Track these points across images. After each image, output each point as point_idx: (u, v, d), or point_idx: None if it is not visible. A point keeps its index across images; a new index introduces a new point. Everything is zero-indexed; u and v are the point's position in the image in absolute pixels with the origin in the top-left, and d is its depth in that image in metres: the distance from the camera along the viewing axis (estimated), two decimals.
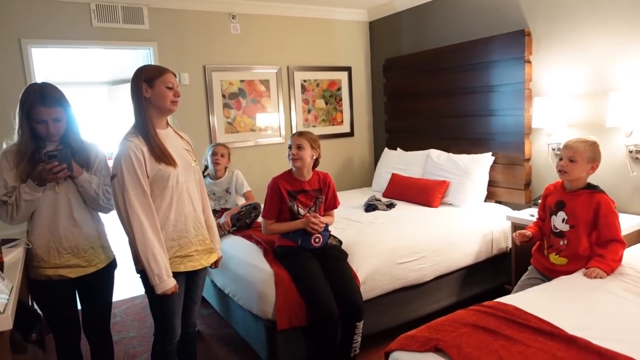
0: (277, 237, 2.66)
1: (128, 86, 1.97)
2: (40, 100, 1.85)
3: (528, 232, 2.43)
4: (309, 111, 4.73)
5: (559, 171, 2.26)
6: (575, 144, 2.22)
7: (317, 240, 2.55)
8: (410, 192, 3.80)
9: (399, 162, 4.28)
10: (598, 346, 1.45)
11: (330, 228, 2.70)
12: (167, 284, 1.84)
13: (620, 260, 2.12)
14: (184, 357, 2.22)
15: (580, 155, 2.19)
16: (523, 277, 2.45)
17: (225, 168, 3.36)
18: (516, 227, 3.00)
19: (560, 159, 2.26)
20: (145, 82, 1.89)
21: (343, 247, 2.71)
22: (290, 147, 2.56)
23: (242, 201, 3.34)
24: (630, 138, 2.80)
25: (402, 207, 3.63)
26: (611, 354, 1.41)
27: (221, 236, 2.63)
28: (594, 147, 2.21)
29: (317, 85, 4.75)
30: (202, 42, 4.09)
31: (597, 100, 2.97)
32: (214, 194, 3.32)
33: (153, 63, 3.78)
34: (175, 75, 1.97)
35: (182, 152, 2.00)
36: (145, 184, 1.85)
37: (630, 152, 2.84)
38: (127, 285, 4.05)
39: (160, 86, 1.89)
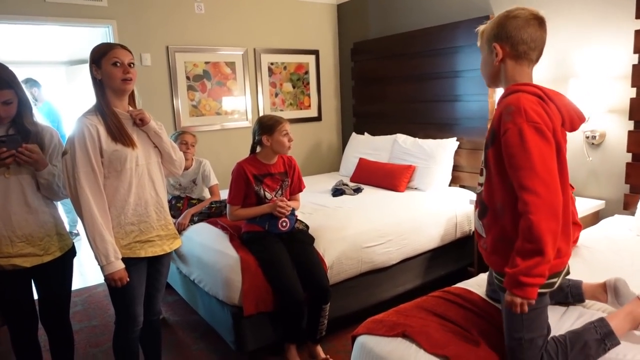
0: (243, 223, 2.62)
1: (87, 67, 1.88)
2: None
3: None
4: (276, 95, 4.67)
5: None
6: None
7: (284, 224, 2.54)
8: (377, 177, 3.83)
9: (367, 146, 4.29)
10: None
11: (297, 213, 2.69)
12: (115, 265, 1.78)
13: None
14: (149, 346, 2.18)
15: None
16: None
17: (192, 158, 3.24)
18: None
19: None
20: (94, 63, 1.83)
21: (310, 231, 2.71)
22: (285, 133, 2.50)
23: (207, 192, 3.25)
24: (588, 124, 2.90)
25: (369, 191, 3.65)
26: None
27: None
28: None
29: (285, 68, 4.68)
30: (164, 21, 3.94)
31: (557, 87, 3.00)
32: (180, 184, 3.21)
33: (113, 42, 3.62)
34: (126, 50, 1.86)
35: (144, 134, 1.93)
36: (96, 163, 1.78)
37: (587, 137, 2.94)
38: (89, 274, 3.94)
39: (107, 65, 1.80)
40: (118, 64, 1.80)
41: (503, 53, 1.41)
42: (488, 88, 3.39)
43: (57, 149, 1.99)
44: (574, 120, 1.40)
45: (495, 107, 1.47)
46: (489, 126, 3.26)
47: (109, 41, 3.65)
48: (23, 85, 1.92)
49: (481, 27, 1.51)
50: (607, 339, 1.43)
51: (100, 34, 3.79)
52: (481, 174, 1.50)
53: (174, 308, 3.25)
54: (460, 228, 3.29)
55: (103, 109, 1.83)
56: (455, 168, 3.71)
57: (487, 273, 1.86)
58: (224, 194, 3.13)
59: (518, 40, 1.38)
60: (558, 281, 1.42)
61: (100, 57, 1.81)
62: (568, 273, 1.49)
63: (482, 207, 1.48)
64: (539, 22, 1.40)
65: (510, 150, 1.29)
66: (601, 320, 1.49)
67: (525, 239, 1.26)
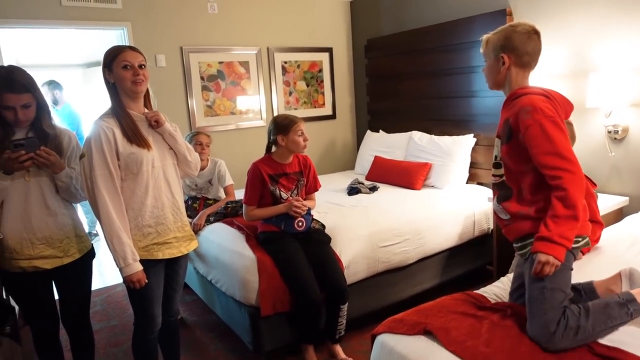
0: (259, 223, 2.62)
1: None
2: (8, 86, 1.76)
3: None
4: (290, 93, 4.66)
5: None
6: None
7: (300, 224, 2.53)
8: (393, 175, 3.80)
9: (382, 144, 4.26)
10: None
11: (313, 212, 2.68)
12: (133, 267, 1.79)
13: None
14: (167, 346, 2.19)
15: None
16: (512, 264, 2.47)
17: (208, 158, 3.24)
18: None
19: None
20: (106, 67, 1.85)
21: (326, 231, 2.70)
22: (301, 133, 2.50)
23: (223, 193, 3.26)
24: (609, 118, 2.83)
25: (384, 189, 3.62)
26: (593, 343, 1.43)
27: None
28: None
29: (298, 66, 4.67)
30: (178, 22, 3.95)
31: (577, 81, 2.98)
32: (195, 185, 3.22)
33: (127, 44, 3.65)
34: (136, 52, 1.86)
35: (159, 136, 1.94)
36: (113, 166, 1.79)
37: (609, 132, 2.87)
38: (108, 274, 3.99)
39: (117, 69, 1.81)
40: (128, 67, 1.81)
41: (509, 62, 1.64)
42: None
43: (75, 152, 2.01)
44: (567, 110, 1.69)
45: (502, 109, 1.70)
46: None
47: (123, 43, 3.69)
48: (45, 87, 1.96)
49: (486, 37, 1.73)
50: (629, 304, 1.53)
51: (115, 36, 3.83)
52: (495, 167, 1.73)
53: (192, 308, 3.27)
54: (479, 226, 3.25)
55: (118, 112, 1.84)
56: (473, 165, 3.65)
57: (513, 273, 1.84)
58: (239, 194, 3.14)
59: (523, 52, 1.63)
60: (582, 242, 1.59)
61: (111, 60, 1.82)
62: (587, 244, 1.65)
63: (505, 192, 1.68)
64: (538, 35, 1.65)
65: (535, 141, 1.51)
66: (624, 292, 1.61)
67: (561, 207, 1.46)
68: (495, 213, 1.78)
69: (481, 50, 1.76)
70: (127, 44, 3.60)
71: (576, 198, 1.45)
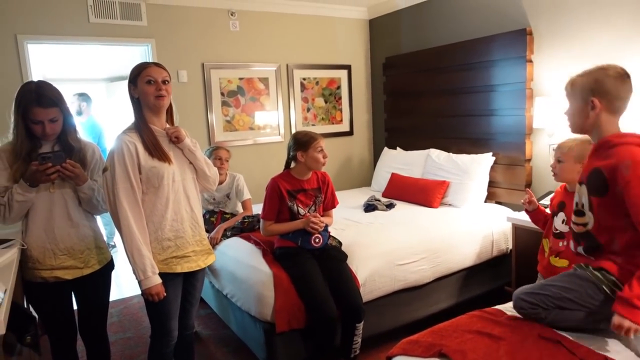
0: (276, 238, 2.63)
1: (125, 83, 1.97)
2: (37, 100, 1.82)
3: (535, 202, 2.43)
4: (308, 110, 4.70)
5: (553, 173, 2.25)
6: (563, 144, 2.21)
7: (317, 240, 2.53)
8: (410, 192, 3.78)
9: (399, 161, 4.25)
10: (602, 355, 1.43)
11: (329, 228, 2.68)
12: (152, 280, 1.81)
13: None
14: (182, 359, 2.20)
15: (566, 155, 2.17)
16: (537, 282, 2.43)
17: (226, 172, 3.27)
18: (517, 228, 2.98)
19: (554, 160, 2.25)
20: (131, 82, 1.90)
21: (343, 248, 2.69)
22: (320, 150, 2.51)
23: (240, 207, 3.29)
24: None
25: (401, 207, 3.61)
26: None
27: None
28: (583, 145, 2.14)
29: (317, 83, 4.72)
30: (200, 39, 4.05)
31: None
32: (214, 199, 3.26)
33: (151, 60, 3.74)
34: (160, 68, 1.91)
35: (179, 151, 1.97)
36: (135, 180, 1.82)
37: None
38: (124, 285, 4.02)
39: (141, 83, 1.87)
40: (152, 82, 1.86)
41: (600, 107, 1.57)
42: (526, 102, 3.32)
43: (99, 165, 2.06)
44: None
45: (589, 155, 1.66)
46: (526, 141, 3.11)
47: (147, 59, 3.79)
48: (75, 97, 2.01)
49: (572, 78, 1.67)
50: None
51: (139, 52, 3.93)
52: (577, 215, 1.68)
53: (207, 322, 3.27)
54: (497, 246, 3.20)
55: (140, 126, 1.89)
56: (491, 184, 3.62)
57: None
58: (256, 209, 3.15)
59: (615, 96, 1.57)
60: None
61: (136, 76, 1.88)
62: None
63: (592, 244, 1.62)
64: (630, 79, 1.59)
65: (635, 200, 1.45)
66: None
67: None
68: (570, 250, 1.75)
69: (565, 92, 1.69)
70: (151, 60, 3.71)
71: None
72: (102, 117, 6.88)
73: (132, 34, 3.75)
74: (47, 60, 6.00)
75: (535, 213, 2.45)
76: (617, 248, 1.54)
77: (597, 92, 1.57)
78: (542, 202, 2.94)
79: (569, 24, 3.08)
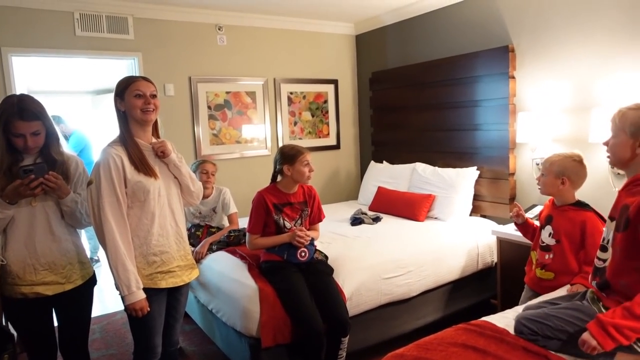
0: (262, 252, 2.62)
1: (111, 96, 1.95)
2: (19, 114, 1.80)
3: (523, 215, 2.45)
4: (295, 123, 4.72)
5: (539, 187, 2.29)
6: (548, 158, 2.25)
7: (303, 254, 2.52)
8: (397, 206, 3.80)
9: (385, 175, 4.28)
10: None
11: (316, 242, 2.67)
12: (136, 295, 1.79)
13: None
14: None
15: (547, 169, 2.21)
16: (522, 296, 2.44)
17: (213, 186, 3.25)
18: (501, 241, 3.01)
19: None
20: (118, 96, 1.89)
21: (329, 261, 2.68)
22: (306, 164, 2.52)
23: (227, 221, 3.27)
24: None
25: (388, 220, 3.62)
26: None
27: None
28: (565, 161, 2.18)
29: (304, 97, 4.75)
30: (187, 53, 4.05)
31: (580, 116, 3.02)
32: (200, 212, 3.23)
33: (137, 74, 3.73)
34: (148, 82, 1.91)
35: (165, 165, 1.96)
36: (121, 193, 1.81)
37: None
38: (107, 301, 3.95)
39: (129, 97, 1.86)
40: (140, 96, 1.86)
41: None
42: (509, 117, 3.38)
43: (82, 178, 2.03)
44: None
45: (620, 189, 1.63)
46: (510, 155, 3.17)
47: (134, 72, 3.78)
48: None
49: (622, 110, 1.60)
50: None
51: (126, 66, 3.92)
52: (602, 250, 1.64)
53: (191, 337, 3.22)
54: (482, 259, 3.22)
55: (126, 140, 1.87)
56: (476, 197, 3.66)
57: (524, 301, 1.83)
58: (242, 223, 3.14)
59: None
60: None
61: (123, 90, 1.87)
62: None
63: (604, 282, 1.60)
64: None
65: None
66: None
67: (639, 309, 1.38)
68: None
69: (612, 123, 1.62)
70: (137, 74, 3.70)
71: None
72: (88, 130, 6.82)
73: (119, 48, 3.74)
74: (32, 73, 5.95)
75: (523, 226, 2.48)
76: (627, 290, 1.50)
77: None
78: (526, 215, 2.97)
79: (549, 41, 3.16)
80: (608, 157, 1.63)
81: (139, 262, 1.86)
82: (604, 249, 1.62)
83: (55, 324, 2.03)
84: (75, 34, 3.55)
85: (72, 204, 1.93)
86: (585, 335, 1.45)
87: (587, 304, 1.63)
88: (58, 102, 7.39)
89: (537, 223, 2.48)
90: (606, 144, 1.64)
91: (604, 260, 1.60)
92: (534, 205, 3.11)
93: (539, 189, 2.28)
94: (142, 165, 1.86)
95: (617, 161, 1.61)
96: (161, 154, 1.92)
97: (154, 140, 1.97)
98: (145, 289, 1.83)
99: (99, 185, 1.78)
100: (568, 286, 2.11)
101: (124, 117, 1.89)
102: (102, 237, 1.79)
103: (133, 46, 3.79)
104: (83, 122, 7.61)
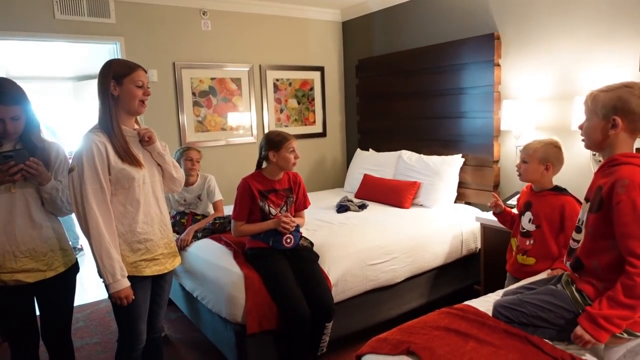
0: (247, 239, 2.61)
1: (95, 82, 1.87)
2: None
3: (501, 204, 2.48)
4: (281, 111, 4.69)
5: (518, 173, 2.31)
6: (529, 145, 2.26)
7: (288, 240, 2.52)
8: (382, 193, 3.81)
9: (371, 162, 4.29)
10: (568, 353, 1.47)
11: (301, 229, 2.67)
12: (121, 283, 1.76)
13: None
14: None
15: (530, 156, 2.23)
16: (505, 284, 2.47)
17: (198, 173, 3.22)
18: (485, 228, 3.05)
19: (519, 161, 2.31)
20: (114, 79, 1.80)
21: (315, 248, 2.69)
22: (292, 150, 2.51)
23: (212, 208, 3.25)
24: None
25: (374, 208, 3.64)
26: (578, 358, 1.43)
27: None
28: (547, 147, 2.20)
29: (290, 84, 4.71)
30: (171, 38, 3.98)
31: (563, 104, 3.05)
32: (184, 200, 3.20)
33: (120, 58, 3.65)
34: (146, 72, 1.89)
35: (148, 152, 1.93)
36: (105, 181, 1.77)
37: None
38: (91, 289, 3.92)
39: (130, 85, 1.81)
40: (141, 86, 1.83)
41: (622, 126, 1.50)
42: (494, 105, 3.40)
43: (63, 165, 1.99)
44: None
45: (595, 171, 1.62)
46: (494, 142, 3.20)
47: (116, 57, 3.70)
48: None
49: (593, 92, 1.57)
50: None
51: (107, 51, 3.84)
52: (577, 232, 1.66)
53: (176, 325, 3.22)
54: (467, 245, 3.26)
55: (110, 127, 1.81)
56: (461, 185, 3.69)
57: (506, 286, 1.84)
58: (228, 210, 3.12)
59: (639, 117, 1.49)
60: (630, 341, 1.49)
61: (124, 75, 1.80)
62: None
63: (577, 262, 1.61)
64: None
65: (623, 219, 1.42)
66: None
67: (625, 294, 1.40)
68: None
69: (584, 106, 1.60)
70: (129, 60, 3.62)
71: None
72: (69, 117, 6.69)
73: (100, 32, 3.65)
74: (10, 57, 5.80)
75: (502, 215, 2.51)
76: (599, 271, 1.52)
77: (620, 110, 1.49)
78: (509, 202, 3.01)
79: (534, 29, 3.17)
80: (583, 140, 1.63)
81: (123, 250, 1.83)
82: (578, 230, 1.64)
83: (37, 312, 2.01)
84: (55, 17, 3.46)
85: (53, 191, 1.90)
86: (579, 330, 1.47)
87: (561, 287, 1.66)
88: (38, 88, 7.22)
89: (514, 211, 2.51)
90: (580, 127, 1.63)
91: (578, 242, 1.62)
92: (517, 193, 3.14)
93: (519, 175, 2.30)
94: (126, 156, 1.82)
95: (592, 144, 1.60)
96: (148, 140, 1.88)
97: (136, 127, 1.93)
98: (129, 277, 1.81)
99: (81, 172, 1.74)
100: (549, 271, 2.15)
101: (114, 102, 1.82)
102: (85, 225, 1.76)
103: (115, 30, 3.71)
104: (64, 108, 7.48)
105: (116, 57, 3.70)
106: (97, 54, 4.66)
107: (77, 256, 2.12)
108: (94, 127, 1.85)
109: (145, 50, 3.86)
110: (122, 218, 1.83)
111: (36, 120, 1.94)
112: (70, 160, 1.88)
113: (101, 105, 1.83)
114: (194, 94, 4.15)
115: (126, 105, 1.83)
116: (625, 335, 1.47)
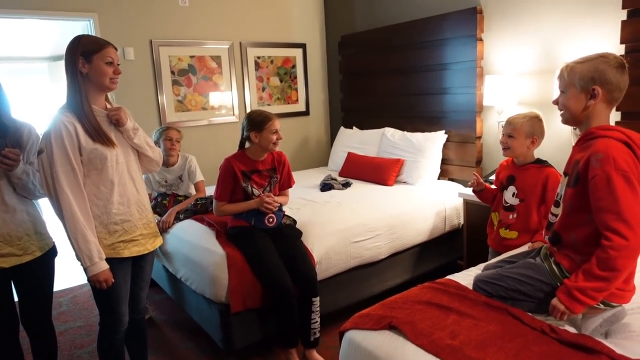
0: (229, 218, 2.58)
1: None
2: None
3: (482, 182, 2.50)
4: (263, 89, 4.61)
5: (503, 148, 2.31)
6: (514, 120, 2.26)
7: (270, 220, 2.50)
8: (366, 171, 3.81)
9: (355, 140, 4.26)
10: (547, 323, 1.49)
11: (285, 208, 2.66)
12: (99, 266, 1.73)
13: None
14: (134, 345, 2.14)
15: (517, 131, 2.23)
16: (488, 259, 2.49)
17: (178, 154, 3.16)
18: (468, 203, 3.07)
19: (503, 136, 2.30)
20: (82, 56, 1.74)
21: (298, 226, 2.68)
22: (275, 131, 2.46)
23: (193, 189, 3.20)
24: None
25: (357, 186, 3.63)
26: (560, 330, 1.45)
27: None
28: (532, 121, 2.22)
29: (272, 62, 4.62)
30: (147, 15, 3.85)
31: (545, 78, 3.05)
32: (165, 181, 3.14)
33: (89, 34, 3.53)
34: (116, 50, 1.82)
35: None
36: (76, 162, 1.71)
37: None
38: (73, 273, 3.87)
39: (99, 62, 1.74)
40: (111, 63, 1.77)
41: (601, 96, 1.48)
42: (476, 80, 3.38)
43: (35, 145, 1.93)
44: None
45: (574, 145, 1.61)
46: (477, 118, 3.20)
47: (90, 34, 3.56)
48: None
49: (569, 64, 1.55)
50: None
51: (81, 28, 3.70)
52: (555, 206, 1.65)
53: (161, 307, 3.20)
54: (450, 221, 3.29)
55: (80, 106, 1.75)
56: (444, 161, 3.69)
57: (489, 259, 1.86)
58: (209, 190, 3.08)
59: (616, 87, 1.48)
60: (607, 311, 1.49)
61: (93, 52, 1.74)
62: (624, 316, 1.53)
63: (555, 236, 1.62)
64: (626, 69, 1.49)
65: (598, 193, 1.42)
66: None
67: (599, 267, 1.41)
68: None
69: (559, 80, 1.58)
70: (100, 37, 3.50)
71: (619, 265, 1.38)
72: (45, 99, 6.49)
73: (72, 8, 3.51)
74: None
75: (483, 193, 2.52)
76: (577, 245, 1.53)
77: (598, 80, 1.47)
78: (491, 177, 3.03)
79: (516, 3, 3.14)
80: (562, 114, 1.60)
81: (100, 232, 1.79)
82: (557, 204, 1.65)
83: (16, 298, 1.97)
84: None
85: (23, 175, 1.83)
86: (554, 301, 1.49)
87: (540, 261, 1.67)
88: (12, 68, 6.98)
89: (493, 187, 2.52)
90: (556, 102, 1.61)
91: (557, 216, 1.62)
92: None
93: (505, 150, 2.30)
94: (98, 135, 1.76)
95: (570, 117, 1.57)
96: (115, 122, 1.83)
97: (108, 106, 1.87)
98: (108, 259, 1.77)
99: (50, 154, 1.68)
100: (530, 244, 2.17)
101: (83, 80, 1.76)
102: (58, 208, 1.71)
103: (88, 6, 3.57)
104: (39, 89, 7.26)
105: (90, 34, 3.58)
106: (71, 32, 4.50)
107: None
108: (62, 107, 1.78)
109: (120, 27, 3.73)
110: (96, 200, 1.79)
111: (6, 99, 1.87)
112: None
113: (70, 83, 1.76)
114: (172, 72, 4.04)
115: (97, 82, 1.77)
116: (602, 306, 1.50)
